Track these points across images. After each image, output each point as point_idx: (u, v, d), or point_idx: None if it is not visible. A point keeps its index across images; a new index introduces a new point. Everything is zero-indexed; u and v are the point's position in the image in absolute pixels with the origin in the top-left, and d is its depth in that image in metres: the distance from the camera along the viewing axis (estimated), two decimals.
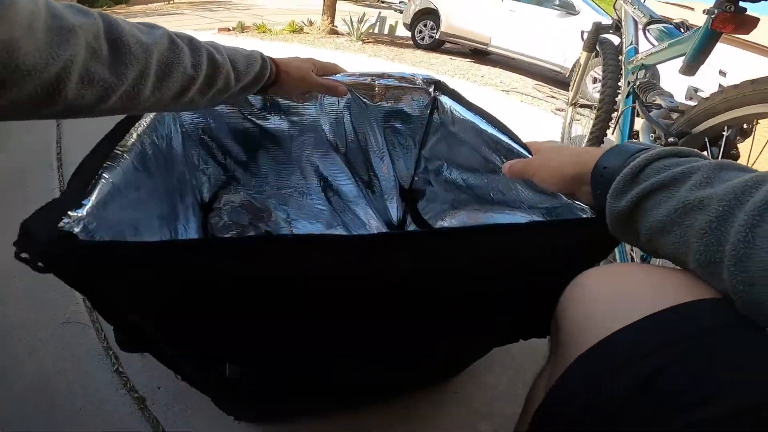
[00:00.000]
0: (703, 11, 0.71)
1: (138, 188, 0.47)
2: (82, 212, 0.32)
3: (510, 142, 0.57)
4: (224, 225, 0.86)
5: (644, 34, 1.03)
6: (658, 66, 1.03)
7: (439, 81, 0.81)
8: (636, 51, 1.09)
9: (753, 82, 0.57)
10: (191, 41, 0.41)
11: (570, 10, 3.99)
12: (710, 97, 0.65)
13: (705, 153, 0.67)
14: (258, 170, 0.87)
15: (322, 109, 0.82)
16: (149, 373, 0.75)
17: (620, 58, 1.18)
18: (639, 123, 0.97)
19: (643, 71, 1.03)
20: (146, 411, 0.69)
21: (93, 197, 0.35)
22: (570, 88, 1.64)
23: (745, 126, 0.68)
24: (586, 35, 1.41)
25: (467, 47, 5.07)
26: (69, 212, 0.31)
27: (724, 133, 0.65)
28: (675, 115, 0.77)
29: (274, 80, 0.54)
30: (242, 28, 5.96)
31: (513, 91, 3.35)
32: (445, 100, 0.77)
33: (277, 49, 4.36)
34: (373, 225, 0.92)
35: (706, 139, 0.68)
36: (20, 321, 0.87)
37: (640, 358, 0.23)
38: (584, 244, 0.40)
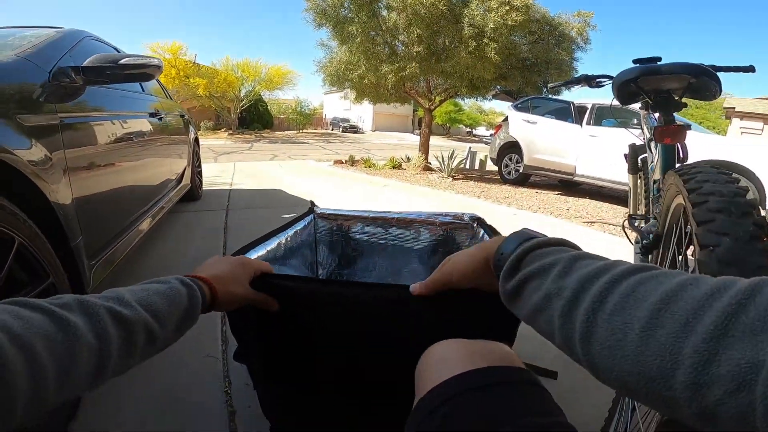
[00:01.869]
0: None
1: (274, 264, 0.85)
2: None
3: None
4: None
5: (649, 151, 1.18)
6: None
7: (481, 218, 1.11)
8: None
9: (675, 171, 0.67)
10: (83, 305, 0.35)
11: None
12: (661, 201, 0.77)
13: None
14: (356, 270, 1.24)
15: (396, 236, 1.19)
16: (247, 399, 1.01)
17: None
18: None
19: (656, 186, 1.11)
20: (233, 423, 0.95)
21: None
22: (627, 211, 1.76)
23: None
24: (628, 157, 1.54)
25: (554, 179, 5.33)
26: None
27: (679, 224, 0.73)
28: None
29: (210, 304, 0.49)
30: (352, 161, 7.42)
31: (598, 222, 3.44)
32: (482, 232, 1.06)
33: (378, 181, 5.31)
34: None
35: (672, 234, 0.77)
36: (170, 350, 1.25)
37: (438, 407, 0.34)
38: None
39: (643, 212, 1.36)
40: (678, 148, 1.05)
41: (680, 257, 0.72)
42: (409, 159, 7.03)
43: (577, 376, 1.11)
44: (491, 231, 1.01)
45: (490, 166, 6.85)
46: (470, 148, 8.20)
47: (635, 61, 0.99)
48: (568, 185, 5.28)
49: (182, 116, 2.89)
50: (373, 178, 5.75)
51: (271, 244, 0.85)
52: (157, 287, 0.44)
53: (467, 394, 0.33)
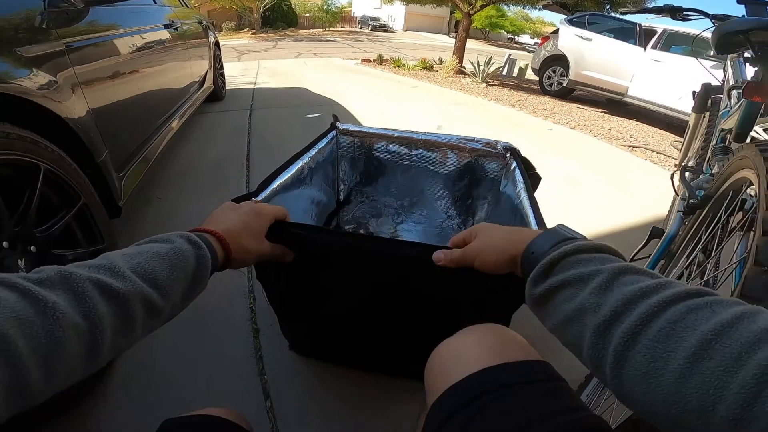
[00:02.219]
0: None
1: (298, 187, 0.85)
2: (258, 198, 0.68)
3: (530, 212, 0.73)
4: (348, 219, 1.26)
5: (727, 98, 1.05)
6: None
7: (515, 149, 1.03)
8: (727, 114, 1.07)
9: (757, 145, 0.61)
10: (66, 280, 0.30)
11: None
12: (728, 162, 0.70)
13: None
14: (376, 189, 1.25)
15: (421, 158, 1.15)
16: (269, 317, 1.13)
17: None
18: None
19: (722, 135, 1.02)
20: (256, 338, 1.03)
21: (267, 190, 0.71)
22: (679, 150, 1.64)
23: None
24: (696, 95, 1.41)
25: (600, 96, 4.92)
26: (252, 198, 0.65)
27: (742, 194, 0.68)
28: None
29: (222, 263, 0.44)
30: (381, 60, 6.89)
31: (641, 147, 3.21)
32: (514, 164, 0.97)
33: (406, 82, 4.97)
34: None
35: (727, 199, 0.72)
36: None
37: (458, 410, 0.32)
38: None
39: (696, 161, 1.25)
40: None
41: (726, 232, 0.68)
42: (441, 61, 6.47)
43: (552, 341, 1.17)
44: (525, 164, 0.96)
45: (530, 75, 6.27)
46: (509, 54, 7.40)
47: (741, 2, 0.84)
48: (615, 104, 4.85)
49: (200, 22, 2.83)
50: (402, 78, 5.40)
51: (294, 168, 0.84)
52: (157, 249, 0.38)
53: (489, 395, 0.32)
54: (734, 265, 0.59)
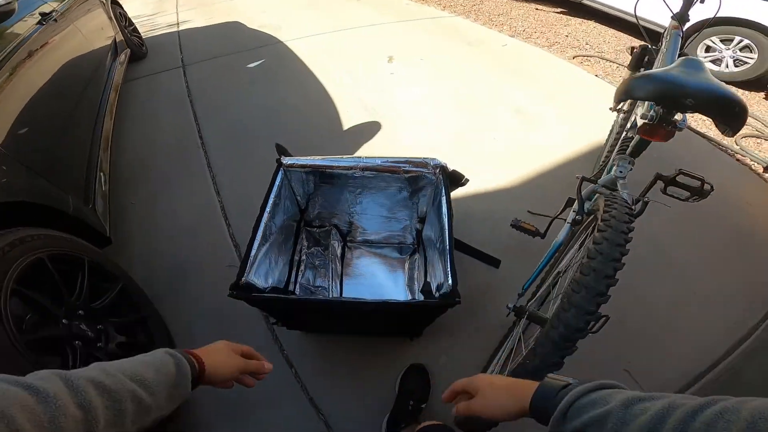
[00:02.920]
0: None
1: (267, 240, 1.00)
2: (248, 277, 0.86)
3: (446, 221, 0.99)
4: (314, 216, 1.38)
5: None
6: None
7: (445, 167, 1.13)
8: None
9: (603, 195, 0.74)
10: (65, 379, 0.35)
11: None
12: None
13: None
14: (341, 206, 1.34)
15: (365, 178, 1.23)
16: None
17: None
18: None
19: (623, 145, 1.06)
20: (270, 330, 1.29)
21: (252, 271, 0.89)
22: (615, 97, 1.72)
23: None
24: (634, 52, 1.42)
25: None
26: (244, 277, 0.85)
27: None
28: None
29: (197, 378, 0.49)
30: None
31: (596, 57, 3.21)
32: (441, 179, 1.11)
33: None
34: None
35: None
36: (206, 261, 1.49)
37: None
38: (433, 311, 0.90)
39: (599, 167, 1.27)
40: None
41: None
42: None
43: (515, 266, 1.38)
44: (451, 177, 1.11)
45: None
46: None
47: None
48: (573, 5, 4.59)
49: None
50: None
51: (259, 235, 0.97)
52: (141, 357, 0.45)
53: None
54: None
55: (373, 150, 2.03)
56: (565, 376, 0.45)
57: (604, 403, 0.37)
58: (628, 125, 1.01)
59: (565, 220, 0.99)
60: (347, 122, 2.25)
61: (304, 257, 1.32)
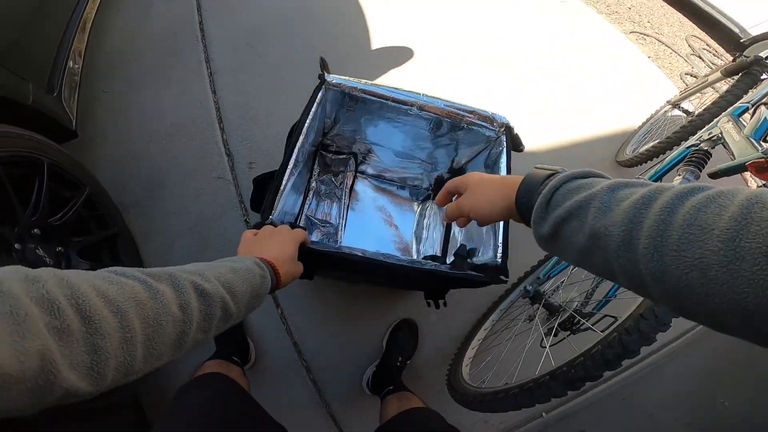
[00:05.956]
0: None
1: (296, 183, 0.85)
2: (273, 216, 0.73)
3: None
4: (334, 151, 1.24)
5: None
6: None
7: (511, 127, 1.00)
8: (746, 111, 0.95)
9: None
10: (171, 278, 0.37)
11: None
12: None
13: None
14: (365, 138, 1.20)
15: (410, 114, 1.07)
16: None
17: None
18: None
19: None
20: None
21: (277, 209, 0.75)
22: (683, 90, 1.57)
23: None
24: (740, 58, 1.17)
25: None
26: (275, 213, 0.73)
27: None
28: None
29: (273, 288, 0.52)
30: None
31: (652, 37, 2.95)
32: (503, 140, 0.98)
33: None
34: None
35: None
36: (190, 169, 1.33)
37: None
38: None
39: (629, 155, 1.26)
40: None
41: None
42: None
43: (525, 243, 1.30)
44: (513, 141, 0.97)
45: None
46: None
47: None
48: None
49: None
50: None
51: (292, 158, 0.83)
52: (232, 265, 0.45)
53: None
54: None
55: (407, 80, 1.85)
56: (554, 166, 0.42)
57: (590, 187, 0.35)
58: (705, 136, 0.86)
59: None
60: (376, 42, 2.00)
61: (314, 185, 1.21)
